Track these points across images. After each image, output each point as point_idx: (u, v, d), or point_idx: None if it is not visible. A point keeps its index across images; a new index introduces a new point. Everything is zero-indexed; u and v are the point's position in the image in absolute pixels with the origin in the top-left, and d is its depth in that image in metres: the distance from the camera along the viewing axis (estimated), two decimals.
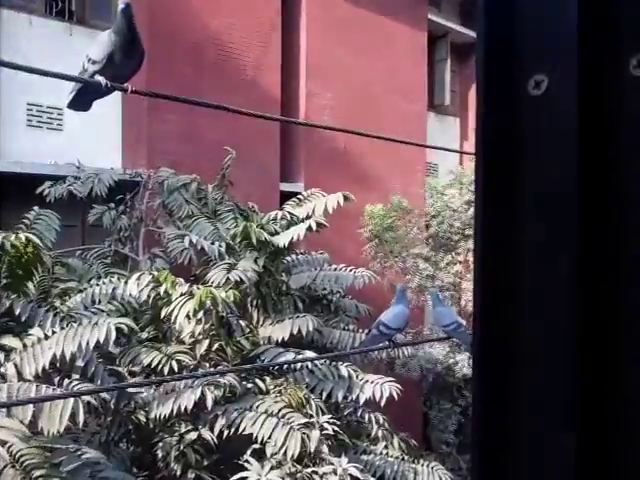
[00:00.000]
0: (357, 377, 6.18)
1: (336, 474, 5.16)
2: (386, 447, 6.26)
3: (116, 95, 7.99)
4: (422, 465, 6.16)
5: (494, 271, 0.65)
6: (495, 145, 0.64)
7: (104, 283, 6.11)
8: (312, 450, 5.25)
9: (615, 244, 0.58)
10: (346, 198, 7.29)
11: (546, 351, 0.62)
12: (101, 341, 4.60)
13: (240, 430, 5.36)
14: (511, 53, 0.62)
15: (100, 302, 5.93)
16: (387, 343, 4.54)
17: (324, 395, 6.00)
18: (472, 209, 9.56)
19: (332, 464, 5.25)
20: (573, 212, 0.59)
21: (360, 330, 6.96)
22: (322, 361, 6.18)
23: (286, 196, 8.72)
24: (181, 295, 5.82)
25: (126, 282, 6.04)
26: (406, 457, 6.21)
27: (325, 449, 5.34)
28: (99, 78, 2.82)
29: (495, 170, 0.64)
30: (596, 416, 0.60)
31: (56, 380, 4.81)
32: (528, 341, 0.64)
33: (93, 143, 8.67)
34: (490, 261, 0.66)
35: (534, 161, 0.62)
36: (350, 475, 5.23)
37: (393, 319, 4.40)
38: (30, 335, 4.75)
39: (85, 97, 3.11)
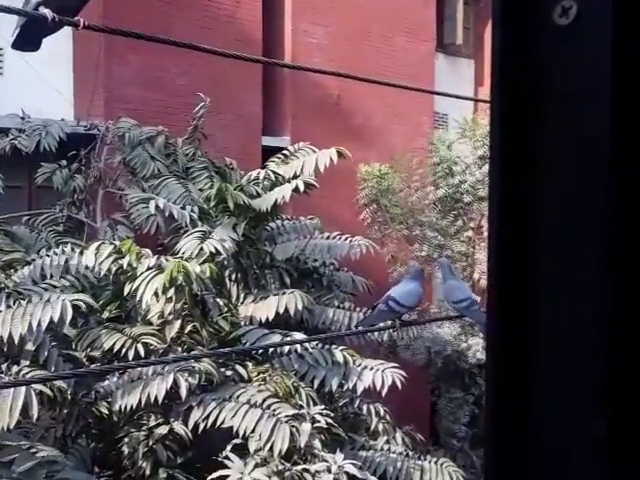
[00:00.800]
0: (354, 363, 6.25)
1: (330, 472, 5.26)
2: (388, 442, 6.37)
3: (66, 31, 7.90)
4: (429, 462, 6.27)
5: (512, 240, 0.65)
6: (514, 87, 0.64)
7: (56, 254, 6.11)
8: (302, 445, 5.34)
9: None
10: (340, 154, 7.29)
11: (572, 331, 0.63)
12: (55, 321, 4.63)
13: (218, 423, 5.43)
14: None
15: (51, 276, 5.94)
16: (393, 322, 4.59)
17: (316, 383, 6.07)
18: (487, 166, 9.58)
19: (326, 461, 5.35)
20: (604, 166, 0.59)
21: (357, 309, 7.02)
22: (313, 344, 6.24)
23: (270, 152, 8.70)
24: (148, 269, 5.84)
25: (82, 253, 6.04)
26: (411, 453, 6.32)
27: (317, 444, 5.43)
28: (44, 10, 2.77)
29: (513, 118, 0.65)
30: (629, 402, 0.62)
31: (3, 367, 4.85)
32: (552, 319, 0.64)
33: (40, 90, 8.58)
34: (508, 228, 0.66)
35: (560, 105, 0.62)
36: (346, 473, 5.33)
37: (406, 296, 4.45)
38: None
39: (31, 34, 3.08)
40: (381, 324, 5.13)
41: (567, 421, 0.64)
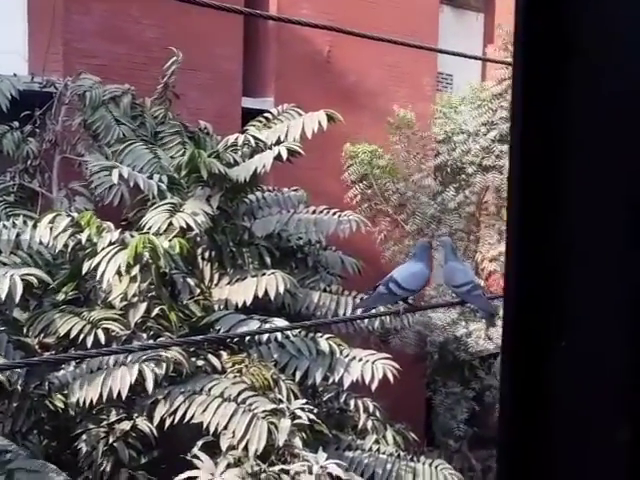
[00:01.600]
0: (341, 353, 6.28)
1: (312, 473, 5.28)
2: (377, 441, 6.40)
3: None
4: (423, 464, 6.32)
5: (533, 219, 0.64)
6: (539, 48, 0.62)
7: (6, 227, 6.09)
8: (281, 444, 5.36)
9: None
10: (330, 118, 7.26)
11: (598, 330, 0.62)
12: (2, 299, 4.61)
13: (187, 418, 5.45)
14: None
15: (0, 252, 5.91)
16: (400, 306, 4.62)
17: (298, 375, 6.09)
18: (493, 132, 9.56)
19: (307, 461, 5.38)
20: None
21: (346, 292, 7.03)
22: (296, 332, 6.25)
23: (250, 115, 8.65)
24: (109, 244, 5.82)
25: (35, 226, 6.01)
26: (402, 454, 6.36)
27: (298, 443, 5.45)
28: None
29: (539, 83, 0.64)
30: None
31: None
32: (576, 316, 0.64)
33: None
34: (529, 205, 0.65)
35: (591, 67, 0.61)
36: (330, 475, 5.36)
37: (409, 277, 4.47)
38: None
39: None
40: (381, 308, 5.17)
41: (588, 426, 0.64)
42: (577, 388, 0.64)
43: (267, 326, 5.97)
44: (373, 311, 5.33)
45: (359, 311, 5.75)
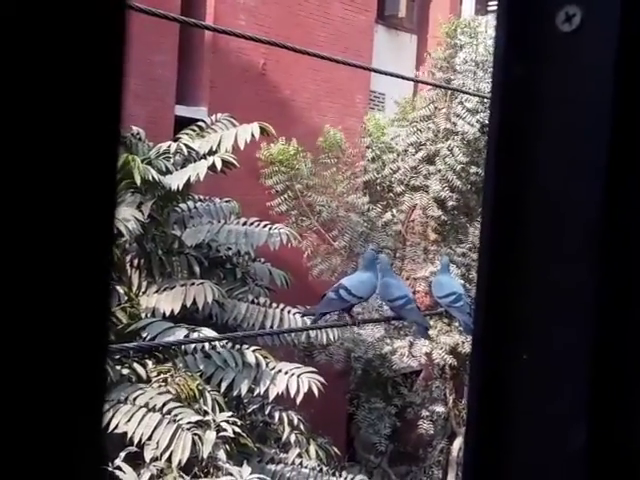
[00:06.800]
0: (267, 365, 6.29)
1: None
2: (300, 455, 6.43)
3: None
4: (344, 479, 6.37)
5: (505, 230, 0.69)
6: (514, 92, 0.67)
7: None
8: (205, 456, 5.34)
9: None
10: (263, 130, 7.29)
11: (558, 337, 0.67)
12: None
13: (111, 428, 5.37)
14: None
15: None
16: (353, 319, 4.74)
17: (223, 387, 6.07)
18: (420, 153, 9.71)
19: (230, 474, 5.37)
20: (602, 176, 0.63)
21: (274, 305, 7.05)
22: (222, 343, 6.24)
23: (183, 123, 8.61)
24: None
25: None
26: (325, 468, 6.40)
27: (222, 455, 5.44)
28: None
29: (512, 124, 0.68)
30: (611, 412, 0.66)
31: None
32: (538, 325, 0.68)
33: None
34: (500, 232, 0.69)
35: (560, 115, 0.66)
36: None
37: (358, 285, 4.58)
38: None
39: None
40: (332, 317, 5.26)
41: (546, 432, 0.68)
42: (538, 399, 0.68)
43: (195, 335, 5.93)
44: (320, 321, 5.42)
45: (308, 322, 5.81)
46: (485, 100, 9.49)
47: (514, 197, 0.68)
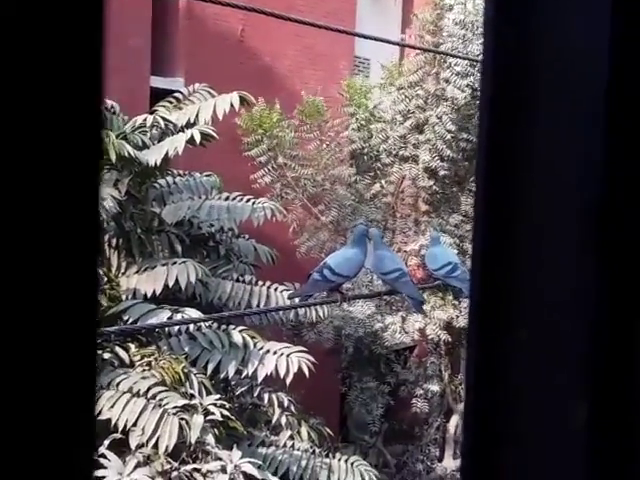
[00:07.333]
0: (255, 346, 6.29)
1: (225, 472, 5.29)
2: (292, 437, 6.45)
3: None
4: (339, 460, 6.40)
5: (496, 213, 0.68)
6: (507, 59, 0.65)
7: None
8: (193, 441, 5.34)
9: None
10: (243, 100, 7.24)
11: (554, 316, 0.66)
12: None
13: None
14: None
15: None
16: (342, 295, 4.72)
17: (210, 369, 6.07)
18: (409, 121, 9.66)
19: (220, 459, 5.38)
20: (601, 134, 0.62)
21: (260, 282, 7.04)
22: (208, 323, 6.23)
23: (159, 95, 8.54)
24: None
25: None
26: (317, 450, 6.43)
27: (211, 440, 5.45)
28: None
29: (506, 93, 0.67)
30: (617, 382, 0.65)
31: None
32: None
33: None
34: (494, 200, 0.68)
35: (557, 83, 0.64)
36: (244, 473, 5.38)
37: (343, 263, 4.56)
38: None
39: None
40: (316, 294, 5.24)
41: (546, 411, 0.68)
42: (536, 375, 0.68)
43: (179, 317, 5.93)
44: (297, 300, 5.40)
45: (297, 300, 5.79)
46: (475, 64, 9.46)
47: (509, 167, 0.66)
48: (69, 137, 0.50)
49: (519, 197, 0.67)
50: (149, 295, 6.31)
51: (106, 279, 6.33)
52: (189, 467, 5.34)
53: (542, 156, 0.66)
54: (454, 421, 10.30)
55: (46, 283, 0.50)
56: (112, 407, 5.37)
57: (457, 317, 9.15)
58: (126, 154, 6.48)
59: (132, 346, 6.05)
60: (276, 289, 7.03)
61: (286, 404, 6.50)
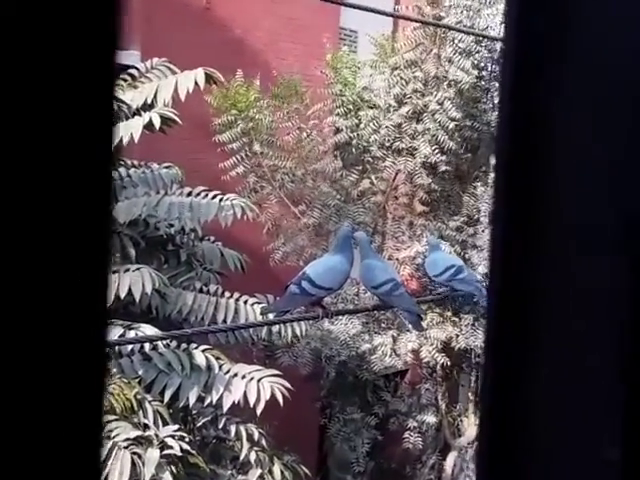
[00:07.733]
0: (220, 368, 6.29)
1: None
2: (262, 477, 6.44)
3: None
4: None
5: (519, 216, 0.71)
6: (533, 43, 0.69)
7: None
8: (147, 479, 5.34)
9: None
10: (209, 77, 7.24)
11: (584, 340, 0.70)
12: None
13: None
14: None
15: None
16: (325, 311, 4.72)
17: (167, 395, 6.06)
18: (405, 107, 9.60)
19: None
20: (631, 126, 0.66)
21: (227, 294, 7.05)
22: (165, 342, 6.23)
23: None
24: None
25: None
26: None
27: (168, 478, 5.44)
28: None
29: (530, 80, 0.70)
30: None
31: None
32: (560, 327, 0.71)
33: None
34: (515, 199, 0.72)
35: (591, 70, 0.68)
36: None
37: (324, 274, 4.52)
38: None
39: None
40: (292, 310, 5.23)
41: (574, 444, 0.71)
42: (561, 404, 0.71)
43: (132, 334, 5.92)
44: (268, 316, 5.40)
45: (270, 316, 5.77)
46: (481, 39, 9.49)
47: (532, 157, 0.70)
48: (83, 132, 0.54)
49: (548, 194, 0.70)
50: None
51: None
52: None
53: (572, 152, 0.70)
54: (451, 459, 10.30)
55: (57, 279, 0.53)
56: None
57: (457, 336, 9.16)
58: None
59: None
60: (246, 302, 7.05)
61: (256, 438, 6.50)
